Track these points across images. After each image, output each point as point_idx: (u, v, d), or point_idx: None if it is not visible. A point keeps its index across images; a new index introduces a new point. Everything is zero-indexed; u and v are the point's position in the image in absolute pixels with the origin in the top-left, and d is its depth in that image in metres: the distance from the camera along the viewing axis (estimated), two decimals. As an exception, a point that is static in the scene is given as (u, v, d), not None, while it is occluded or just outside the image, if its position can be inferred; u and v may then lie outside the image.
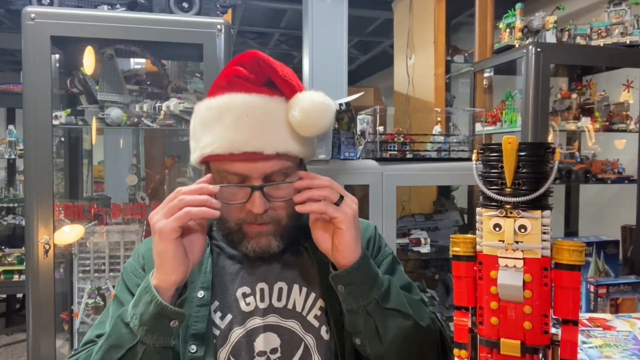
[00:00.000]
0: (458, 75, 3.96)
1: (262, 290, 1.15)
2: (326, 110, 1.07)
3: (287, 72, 1.08)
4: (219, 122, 1.05)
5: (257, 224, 1.09)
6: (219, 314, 1.13)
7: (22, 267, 3.98)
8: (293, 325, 1.14)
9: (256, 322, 1.12)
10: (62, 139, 2.46)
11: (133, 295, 1.11)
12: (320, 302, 1.16)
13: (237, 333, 1.11)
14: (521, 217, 0.90)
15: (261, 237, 1.10)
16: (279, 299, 1.15)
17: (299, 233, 1.18)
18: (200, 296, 1.11)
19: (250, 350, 1.11)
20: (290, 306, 1.15)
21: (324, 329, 1.14)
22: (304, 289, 1.17)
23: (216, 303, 1.13)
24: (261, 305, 1.14)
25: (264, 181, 1.06)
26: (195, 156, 1.12)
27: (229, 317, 1.12)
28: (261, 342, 1.11)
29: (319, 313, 1.15)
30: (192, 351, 1.07)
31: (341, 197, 1.03)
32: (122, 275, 1.21)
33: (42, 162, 1.94)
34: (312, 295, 1.16)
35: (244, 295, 1.14)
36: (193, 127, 1.13)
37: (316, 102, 1.05)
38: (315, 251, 1.16)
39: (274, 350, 1.11)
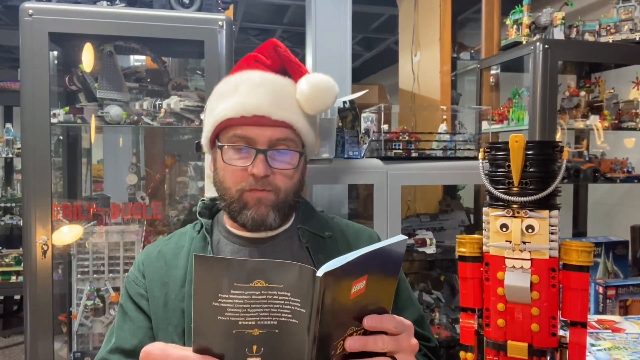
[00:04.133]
0: (464, 72, 3.94)
1: None
2: (332, 87, 1.20)
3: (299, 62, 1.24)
4: (235, 92, 1.16)
5: (257, 190, 1.14)
6: None
7: (20, 268, 3.98)
8: None
9: None
10: (61, 137, 2.44)
11: (136, 304, 1.18)
12: None
13: None
14: (528, 217, 0.91)
15: (260, 206, 1.15)
16: None
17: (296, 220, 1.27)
18: None
19: None
20: None
21: None
22: None
23: None
24: None
25: (269, 148, 1.15)
26: (207, 129, 1.20)
27: None
28: None
29: None
30: None
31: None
32: (125, 285, 1.25)
33: (40, 161, 1.92)
34: None
35: None
36: (209, 104, 1.23)
37: (323, 79, 1.19)
38: (315, 252, 1.22)
39: None
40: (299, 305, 0.75)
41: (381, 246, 0.82)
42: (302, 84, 1.18)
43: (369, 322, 0.81)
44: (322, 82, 1.19)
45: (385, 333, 0.84)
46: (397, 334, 0.85)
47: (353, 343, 0.80)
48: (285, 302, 0.76)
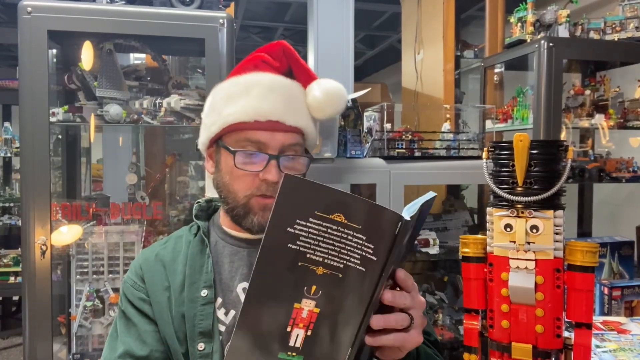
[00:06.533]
0: (468, 70, 3.92)
1: None
2: (344, 94, 1.24)
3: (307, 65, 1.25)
4: (246, 95, 1.14)
5: (265, 197, 1.12)
6: (222, 310, 1.15)
7: (18, 269, 3.98)
8: None
9: None
10: (60, 136, 2.43)
11: (137, 309, 1.17)
12: None
13: None
14: (533, 217, 0.90)
15: (266, 211, 1.12)
16: None
17: None
18: (204, 295, 1.14)
19: None
20: None
21: None
22: None
23: (219, 300, 1.16)
24: None
25: (280, 153, 1.14)
26: (212, 129, 1.17)
27: (232, 312, 1.15)
28: None
29: None
30: (201, 349, 1.10)
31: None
32: (122, 290, 1.23)
33: (39, 160, 1.90)
34: None
35: (244, 291, 1.15)
36: (212, 102, 1.21)
37: (336, 85, 1.23)
38: None
39: None
40: (372, 252, 0.74)
41: (424, 201, 0.82)
42: (315, 90, 1.20)
43: (399, 273, 0.84)
44: (335, 88, 1.22)
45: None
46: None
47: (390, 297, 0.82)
48: (358, 246, 0.75)
